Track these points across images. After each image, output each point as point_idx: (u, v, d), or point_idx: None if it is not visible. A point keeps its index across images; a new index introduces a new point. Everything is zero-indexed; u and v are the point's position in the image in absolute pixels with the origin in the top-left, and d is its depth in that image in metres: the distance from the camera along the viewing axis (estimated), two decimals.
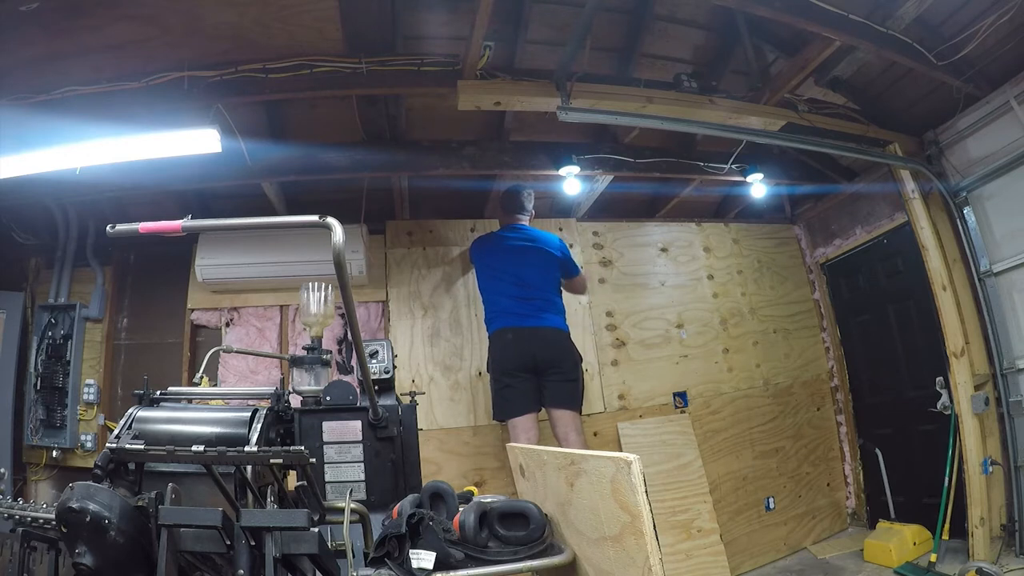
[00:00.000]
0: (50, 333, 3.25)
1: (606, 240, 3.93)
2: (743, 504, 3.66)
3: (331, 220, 1.04)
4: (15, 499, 1.56)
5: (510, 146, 3.35)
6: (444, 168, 3.20)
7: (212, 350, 2.10)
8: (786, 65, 3.01)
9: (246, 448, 0.95)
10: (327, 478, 1.58)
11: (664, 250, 4.07)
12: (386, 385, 1.85)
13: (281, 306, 3.48)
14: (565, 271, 3.22)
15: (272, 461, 0.94)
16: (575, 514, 1.20)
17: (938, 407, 3.32)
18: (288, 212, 3.40)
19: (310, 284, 1.76)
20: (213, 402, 1.87)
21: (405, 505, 1.29)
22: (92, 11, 2.23)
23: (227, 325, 3.41)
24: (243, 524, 0.93)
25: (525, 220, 3.26)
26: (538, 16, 2.88)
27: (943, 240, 3.36)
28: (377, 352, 1.89)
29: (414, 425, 1.69)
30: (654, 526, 0.91)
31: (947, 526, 3.15)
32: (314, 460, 1.00)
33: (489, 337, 3.08)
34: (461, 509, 1.30)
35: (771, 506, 3.74)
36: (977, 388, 3.16)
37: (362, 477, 1.58)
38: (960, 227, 3.36)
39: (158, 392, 1.49)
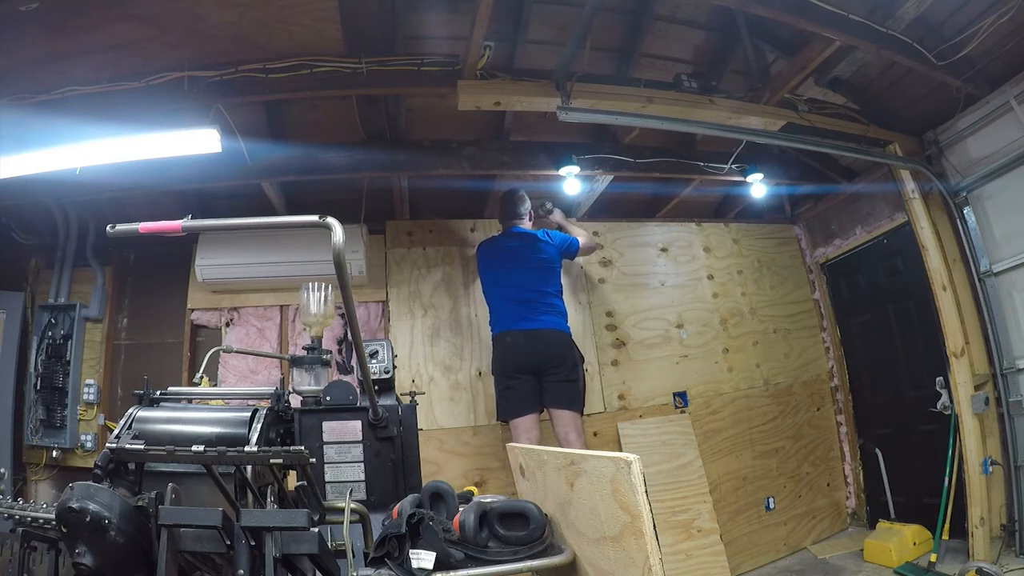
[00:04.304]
0: (50, 333, 3.25)
1: (606, 240, 3.93)
2: (743, 504, 3.66)
3: (331, 220, 1.04)
4: (15, 499, 1.56)
5: (510, 146, 3.35)
6: (444, 168, 3.20)
7: (212, 350, 2.10)
8: (786, 65, 3.01)
9: (246, 448, 0.95)
10: (327, 478, 1.58)
11: (664, 250, 4.07)
12: (386, 385, 1.85)
13: (281, 306, 3.48)
14: (568, 254, 3.30)
15: (272, 461, 0.94)
16: (575, 514, 1.20)
17: (938, 407, 3.32)
18: (288, 212, 3.40)
19: (310, 284, 1.76)
20: (213, 402, 1.87)
21: (405, 505, 1.29)
22: (92, 11, 2.23)
23: (227, 325, 3.41)
24: (243, 524, 0.93)
25: (522, 223, 3.26)
26: (538, 16, 2.88)
27: (943, 240, 3.36)
28: (377, 352, 1.89)
29: (414, 425, 1.69)
30: (654, 526, 0.91)
31: (947, 526, 3.15)
32: (314, 460, 1.00)
33: (492, 340, 3.11)
34: (461, 509, 1.30)
35: (771, 506, 3.74)
36: (977, 388, 3.16)
37: (362, 477, 1.58)
38: (960, 227, 3.36)
39: (158, 392, 1.49)
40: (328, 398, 1.61)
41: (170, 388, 1.53)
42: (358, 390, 1.64)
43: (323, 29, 2.49)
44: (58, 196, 3.05)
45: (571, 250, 3.30)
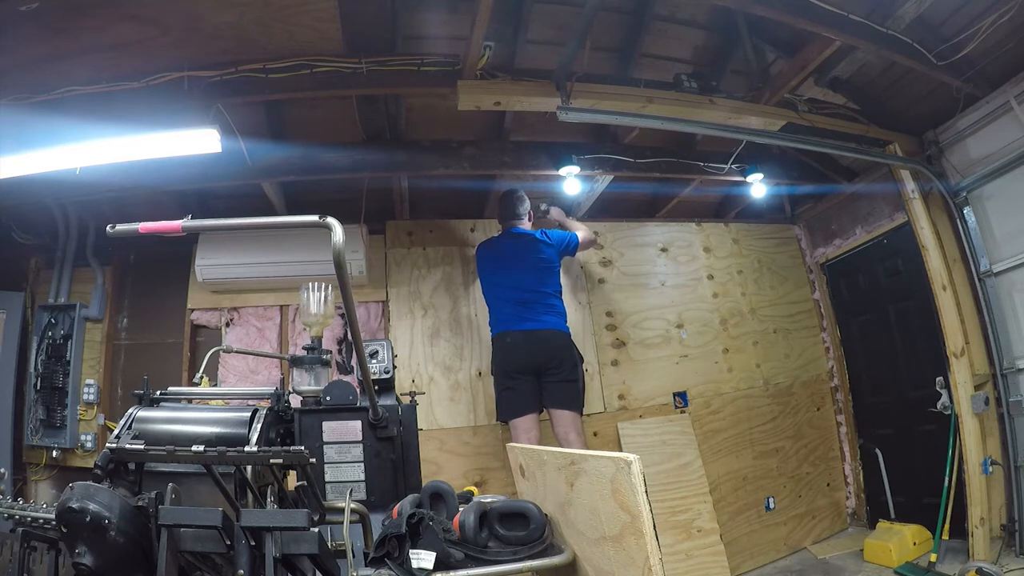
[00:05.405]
0: (50, 333, 3.25)
1: (606, 240, 3.93)
2: (743, 504, 3.66)
3: (331, 220, 1.04)
4: (15, 499, 1.56)
5: (510, 146, 3.35)
6: (444, 168, 3.20)
7: (212, 350, 2.10)
8: (786, 65, 3.01)
9: (246, 448, 0.95)
10: (327, 478, 1.58)
11: (664, 250, 4.07)
12: (386, 385, 1.85)
13: (281, 306, 3.48)
14: (568, 252, 3.29)
15: (272, 461, 0.94)
16: (575, 514, 1.20)
17: (938, 407, 3.32)
18: (288, 212, 3.40)
19: (310, 284, 1.76)
20: (213, 402, 1.87)
21: (405, 505, 1.29)
22: (92, 11, 2.23)
23: (227, 325, 3.41)
24: (243, 524, 0.93)
25: (521, 224, 3.26)
26: (538, 16, 2.88)
27: (943, 240, 3.36)
28: (377, 352, 1.89)
29: (414, 425, 1.69)
30: (654, 526, 0.91)
31: (947, 526, 3.15)
32: (314, 460, 1.00)
33: (492, 341, 3.11)
34: (461, 509, 1.30)
35: (771, 506, 3.74)
36: (977, 388, 3.16)
37: (362, 477, 1.58)
38: (960, 227, 3.36)
39: (158, 392, 1.49)
40: (328, 398, 1.61)
41: (170, 388, 1.53)
42: (358, 390, 1.64)
43: (323, 29, 2.49)
44: (58, 196, 3.05)
45: (571, 247, 3.29)
